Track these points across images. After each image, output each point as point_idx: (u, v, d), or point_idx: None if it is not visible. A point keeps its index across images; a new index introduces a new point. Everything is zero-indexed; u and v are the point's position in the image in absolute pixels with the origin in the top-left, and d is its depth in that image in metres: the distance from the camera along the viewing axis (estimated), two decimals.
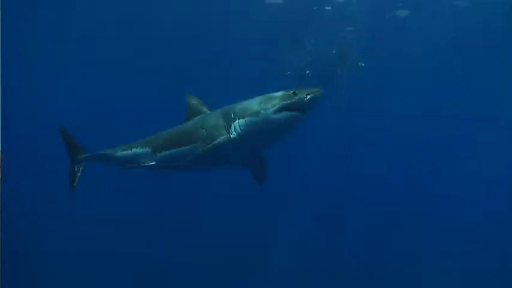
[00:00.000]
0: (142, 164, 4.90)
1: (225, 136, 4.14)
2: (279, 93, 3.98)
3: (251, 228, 12.86)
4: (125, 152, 5.23)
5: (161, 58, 13.81)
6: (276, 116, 3.89)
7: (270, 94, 4.05)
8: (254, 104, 4.06)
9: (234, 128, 4.10)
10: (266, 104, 3.94)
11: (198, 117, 4.79)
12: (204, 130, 4.37)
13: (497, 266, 12.66)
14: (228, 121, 4.17)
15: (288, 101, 3.85)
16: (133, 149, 5.13)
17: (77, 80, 14.24)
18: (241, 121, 4.05)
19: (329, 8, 11.95)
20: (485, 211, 14.94)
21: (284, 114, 3.87)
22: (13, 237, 9.59)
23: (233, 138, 4.10)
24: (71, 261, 10.46)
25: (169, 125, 5.10)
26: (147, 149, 4.93)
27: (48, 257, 10.35)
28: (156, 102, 14.23)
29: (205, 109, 4.89)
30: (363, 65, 11.90)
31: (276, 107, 3.88)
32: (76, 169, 5.70)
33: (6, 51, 9.24)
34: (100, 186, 8.71)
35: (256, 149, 4.46)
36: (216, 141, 4.17)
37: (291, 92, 3.88)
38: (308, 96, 3.80)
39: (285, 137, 4.22)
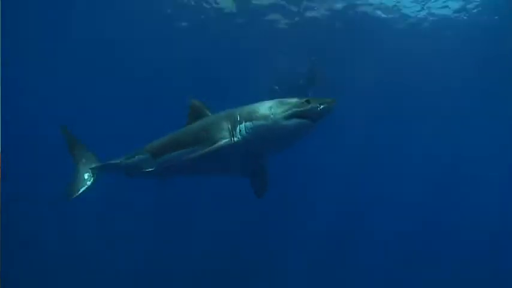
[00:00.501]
0: (147, 170, 4.75)
1: (227, 139, 3.97)
2: (291, 100, 3.82)
3: (250, 230, 12.89)
4: (132, 159, 5.08)
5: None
6: (286, 122, 3.74)
7: (281, 99, 3.87)
8: (263, 108, 3.88)
9: (239, 131, 3.93)
10: (276, 109, 3.78)
11: (203, 119, 4.61)
12: (205, 132, 4.19)
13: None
14: (233, 124, 3.99)
15: (301, 109, 3.70)
16: (138, 156, 5.00)
17: (77, 81, 14.25)
18: (248, 124, 3.88)
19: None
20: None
21: (295, 121, 3.73)
22: (13, 237, 9.61)
23: (236, 141, 3.93)
24: (70, 262, 10.47)
25: (170, 127, 5.03)
26: (152, 154, 4.79)
27: (47, 257, 10.35)
28: (156, 105, 14.29)
29: (208, 113, 4.71)
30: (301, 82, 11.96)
31: (287, 113, 3.72)
32: (86, 177, 5.43)
33: (6, 52, 9.23)
34: (100, 186, 8.68)
35: (259, 156, 4.30)
36: (217, 144, 3.98)
37: (304, 99, 3.74)
38: (321, 106, 3.68)
39: (291, 144, 4.05)
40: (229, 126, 4.02)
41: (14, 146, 12.16)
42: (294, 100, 3.81)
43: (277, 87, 11.82)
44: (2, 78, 10.40)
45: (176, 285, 10.84)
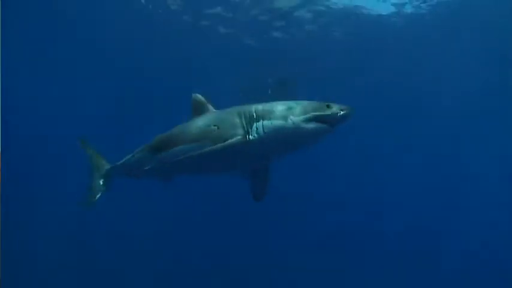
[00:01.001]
0: (148, 167, 4.51)
1: (241, 136, 3.81)
2: (311, 103, 3.76)
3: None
4: (134, 157, 4.89)
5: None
6: (305, 125, 3.67)
7: (299, 101, 3.80)
8: (281, 108, 3.77)
9: (256, 129, 3.79)
10: (296, 111, 3.70)
11: (208, 114, 4.44)
12: (216, 128, 4.00)
13: None
14: (248, 121, 3.85)
15: (321, 113, 3.66)
16: (140, 153, 4.82)
17: (77, 82, 14.25)
18: (266, 123, 3.75)
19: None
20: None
21: (314, 124, 3.66)
22: (13, 237, 9.63)
23: (252, 139, 3.78)
24: (70, 261, 10.49)
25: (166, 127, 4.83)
26: (154, 150, 4.60)
27: (47, 257, 10.37)
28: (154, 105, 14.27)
29: (211, 108, 4.55)
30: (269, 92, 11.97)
31: (308, 115, 3.66)
32: (101, 183, 5.36)
33: (7, 53, 9.23)
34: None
35: (268, 157, 4.17)
36: (230, 141, 3.81)
37: (325, 104, 3.70)
38: (341, 112, 3.65)
39: (304, 148, 3.96)
40: (244, 123, 3.86)
41: (15, 146, 12.18)
42: (314, 103, 3.75)
43: (241, 94, 11.80)
44: (2, 80, 10.40)
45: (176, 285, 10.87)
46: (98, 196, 5.34)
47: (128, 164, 5.06)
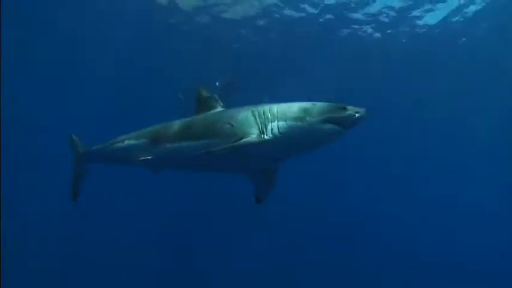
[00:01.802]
0: (147, 157, 4.33)
1: (256, 136, 3.74)
2: (326, 104, 3.71)
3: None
4: (128, 143, 4.65)
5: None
6: (321, 127, 3.62)
7: (314, 102, 3.75)
8: (297, 108, 3.72)
9: (271, 129, 3.74)
10: (312, 112, 3.65)
11: (219, 110, 4.33)
12: (230, 125, 3.89)
13: None
14: (263, 121, 3.78)
15: (337, 115, 3.61)
16: (135, 140, 4.59)
17: (76, 82, 14.24)
18: (282, 123, 3.70)
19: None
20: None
21: (329, 126, 3.62)
22: (13, 237, 9.63)
23: (266, 139, 3.72)
24: (69, 261, 10.49)
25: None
26: (154, 140, 4.39)
27: (47, 256, 10.37)
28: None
29: (219, 105, 4.42)
30: (182, 97, 11.73)
31: (324, 117, 3.60)
32: (82, 173, 5.27)
33: (7, 54, 9.24)
34: (101, 185, 8.66)
35: (280, 158, 4.06)
36: (245, 140, 3.72)
37: (341, 105, 3.65)
38: (357, 114, 3.60)
39: (316, 150, 3.87)
40: (259, 122, 3.80)
41: (14, 146, 12.20)
42: (329, 105, 3.72)
43: (182, 96, 11.54)
44: (2, 80, 10.41)
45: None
46: (78, 185, 5.26)
47: (113, 150, 4.84)
